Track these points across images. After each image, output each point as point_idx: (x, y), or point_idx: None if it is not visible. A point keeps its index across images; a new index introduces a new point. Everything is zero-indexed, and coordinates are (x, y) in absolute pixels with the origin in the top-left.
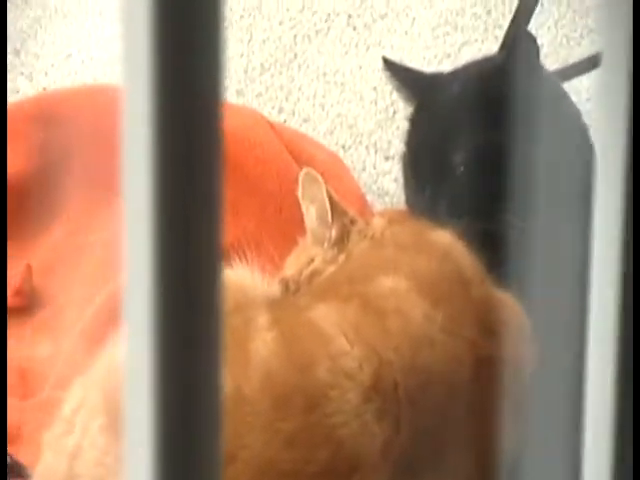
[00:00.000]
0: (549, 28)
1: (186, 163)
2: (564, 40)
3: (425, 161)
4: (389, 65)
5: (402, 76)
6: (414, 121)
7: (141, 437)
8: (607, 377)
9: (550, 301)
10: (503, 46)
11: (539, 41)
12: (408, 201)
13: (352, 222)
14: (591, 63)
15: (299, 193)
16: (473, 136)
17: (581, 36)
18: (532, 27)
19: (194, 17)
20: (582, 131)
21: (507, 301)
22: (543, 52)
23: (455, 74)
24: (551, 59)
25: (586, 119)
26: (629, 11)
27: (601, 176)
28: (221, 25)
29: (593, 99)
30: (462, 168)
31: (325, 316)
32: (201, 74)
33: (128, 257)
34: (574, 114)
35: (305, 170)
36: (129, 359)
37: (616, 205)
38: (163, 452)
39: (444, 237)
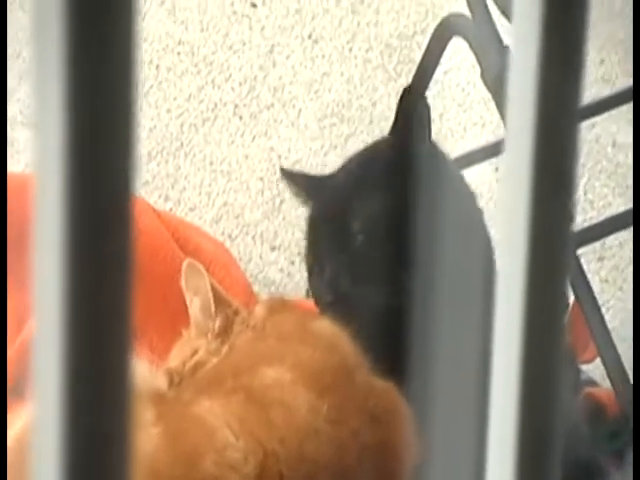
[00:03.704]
0: (434, 121)
1: (98, 258)
2: (449, 133)
3: (324, 244)
4: (286, 174)
5: (299, 182)
6: (311, 216)
7: None
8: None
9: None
10: (393, 132)
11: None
12: (312, 289)
13: (235, 313)
14: (476, 157)
15: (182, 284)
16: (369, 203)
17: (465, 129)
18: None
19: (107, 107)
20: (478, 214)
21: (389, 389)
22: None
23: (348, 160)
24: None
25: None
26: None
27: (502, 265)
28: (134, 114)
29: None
30: (361, 238)
31: (209, 410)
32: (113, 167)
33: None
34: (469, 194)
35: (188, 261)
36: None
37: (517, 291)
38: None
39: (327, 326)
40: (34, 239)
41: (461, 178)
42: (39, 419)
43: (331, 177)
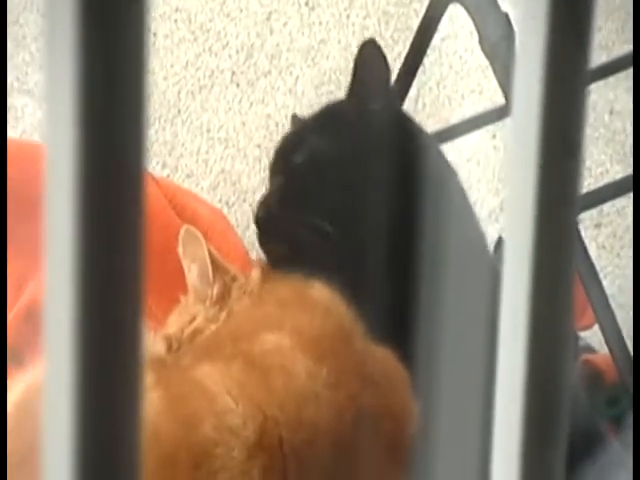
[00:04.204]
0: (431, 88)
1: (109, 231)
2: (446, 101)
3: (271, 171)
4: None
5: None
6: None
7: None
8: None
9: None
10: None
11: (421, 101)
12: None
13: (233, 279)
14: (473, 124)
15: (180, 251)
16: (315, 141)
17: (462, 97)
18: (414, 87)
19: (119, 83)
20: (461, 193)
21: (387, 355)
22: (425, 112)
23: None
24: (433, 120)
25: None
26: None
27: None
28: (145, 93)
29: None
30: (301, 167)
31: (209, 374)
32: (124, 141)
33: (49, 307)
34: (449, 169)
35: (185, 227)
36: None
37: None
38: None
39: (324, 292)
40: (45, 210)
41: (438, 152)
42: (51, 383)
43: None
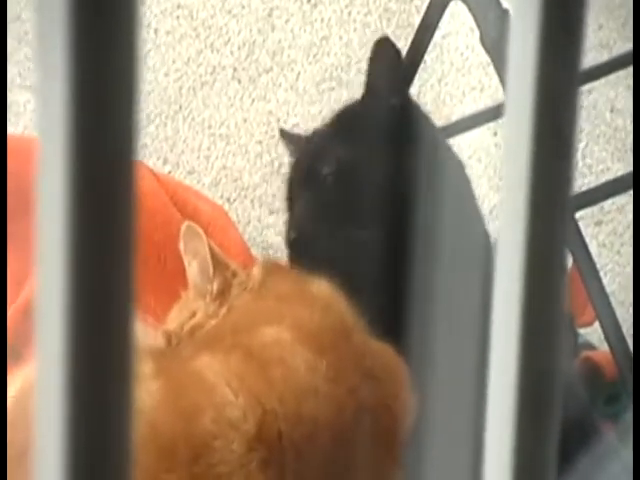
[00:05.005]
0: (432, 86)
1: (101, 222)
2: (447, 98)
3: (295, 185)
4: (284, 134)
5: (296, 143)
6: (290, 165)
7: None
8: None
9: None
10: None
11: (422, 98)
12: (285, 235)
13: (234, 275)
14: (474, 121)
15: (181, 247)
16: (339, 149)
17: (463, 94)
18: (415, 84)
19: (111, 73)
20: (466, 184)
21: (386, 349)
22: (427, 109)
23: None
24: (434, 117)
25: (469, 172)
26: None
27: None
28: (137, 83)
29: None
30: (330, 178)
31: (209, 366)
32: (116, 132)
33: (40, 298)
34: (456, 163)
35: (186, 224)
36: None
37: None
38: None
39: (324, 287)
40: (37, 203)
41: (447, 146)
42: (42, 379)
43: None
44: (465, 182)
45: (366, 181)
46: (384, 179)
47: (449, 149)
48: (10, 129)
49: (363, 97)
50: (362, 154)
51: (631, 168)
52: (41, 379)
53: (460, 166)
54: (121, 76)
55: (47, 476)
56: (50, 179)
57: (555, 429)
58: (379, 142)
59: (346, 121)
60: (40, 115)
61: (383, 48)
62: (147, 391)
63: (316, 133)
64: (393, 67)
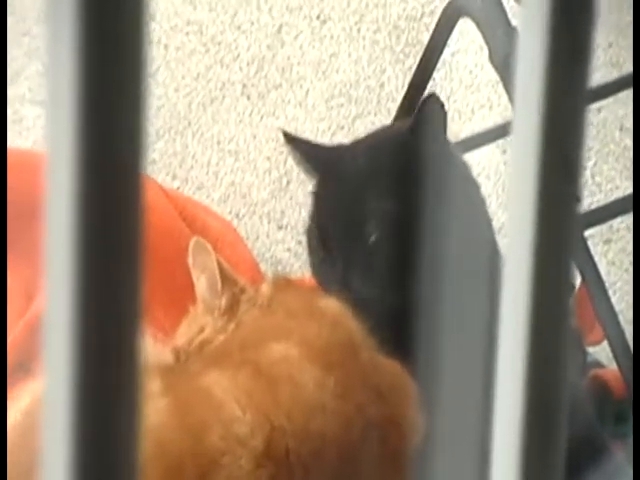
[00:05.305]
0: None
1: (109, 237)
2: (456, 115)
3: (335, 234)
4: (289, 139)
5: (303, 149)
6: (319, 195)
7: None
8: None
9: (455, 371)
10: (400, 113)
11: None
12: (316, 275)
13: (242, 291)
14: (483, 138)
15: (190, 262)
16: (383, 203)
17: (472, 111)
18: None
19: (119, 89)
20: (481, 203)
21: (394, 366)
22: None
23: (358, 144)
24: None
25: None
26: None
27: (509, 256)
28: (145, 98)
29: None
30: (374, 237)
31: (217, 382)
32: (124, 145)
33: (49, 309)
34: (474, 186)
35: (195, 239)
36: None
37: (523, 286)
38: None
39: (333, 304)
40: (45, 217)
41: (465, 166)
42: (49, 394)
43: (340, 153)
44: (481, 203)
45: (405, 237)
46: (424, 227)
47: (473, 181)
48: (20, 143)
49: (404, 139)
50: (404, 209)
51: None
52: (48, 394)
53: (476, 186)
54: (129, 92)
55: None
56: (59, 193)
57: (562, 444)
58: (417, 192)
59: (386, 163)
60: (49, 130)
61: (430, 106)
62: (155, 408)
63: (347, 163)
64: (437, 128)
